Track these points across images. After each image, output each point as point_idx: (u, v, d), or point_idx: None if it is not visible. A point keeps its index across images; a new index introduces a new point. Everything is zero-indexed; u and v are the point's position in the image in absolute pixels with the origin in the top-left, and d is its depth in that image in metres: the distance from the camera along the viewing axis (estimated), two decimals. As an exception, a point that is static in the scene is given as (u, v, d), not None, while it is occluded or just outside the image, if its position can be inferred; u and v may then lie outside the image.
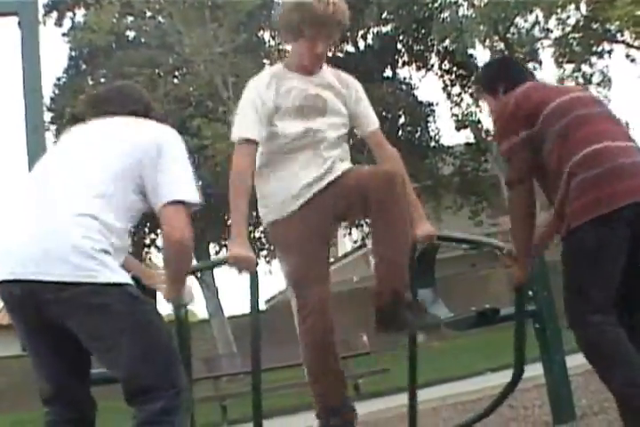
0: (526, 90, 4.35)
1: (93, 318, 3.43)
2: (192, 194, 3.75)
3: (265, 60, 26.37)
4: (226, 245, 28.12)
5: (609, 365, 4.01)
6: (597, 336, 4.03)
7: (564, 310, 4.13)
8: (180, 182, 3.74)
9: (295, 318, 4.69)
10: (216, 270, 26.57)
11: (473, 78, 28.90)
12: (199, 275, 26.25)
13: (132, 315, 3.51)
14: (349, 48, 29.56)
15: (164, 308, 4.26)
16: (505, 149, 4.28)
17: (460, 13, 27.88)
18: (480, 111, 29.31)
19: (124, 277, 3.54)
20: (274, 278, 27.34)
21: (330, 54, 27.81)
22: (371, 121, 4.89)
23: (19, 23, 5.02)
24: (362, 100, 4.89)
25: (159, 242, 26.89)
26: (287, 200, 4.53)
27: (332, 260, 5.81)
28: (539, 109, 4.18)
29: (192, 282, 4.08)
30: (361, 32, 29.37)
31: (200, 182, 24.70)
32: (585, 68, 28.10)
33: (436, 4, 28.59)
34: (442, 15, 28.29)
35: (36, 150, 4.84)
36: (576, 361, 6.42)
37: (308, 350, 4.47)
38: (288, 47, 4.76)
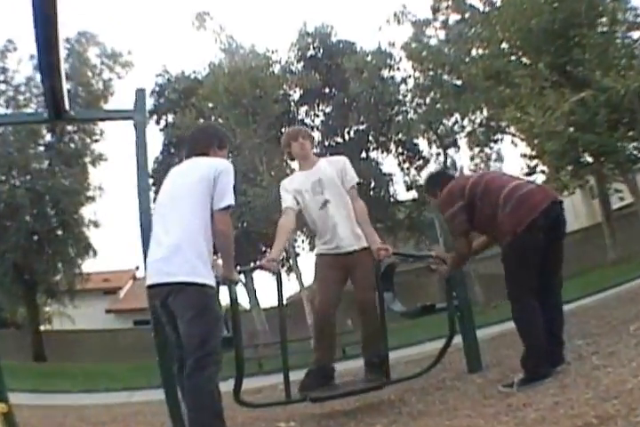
0: (452, 184, 4.60)
1: None
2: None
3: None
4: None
5: (527, 329, 4.06)
6: (525, 309, 4.08)
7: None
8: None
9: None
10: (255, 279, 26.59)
11: (417, 160, 29.12)
12: (243, 279, 26.26)
13: None
14: (338, 139, 29.55)
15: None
16: (447, 215, 4.43)
17: (409, 117, 27.95)
18: (421, 179, 29.45)
19: None
20: (291, 284, 27.05)
21: (326, 143, 28.10)
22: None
23: (134, 125, 5.03)
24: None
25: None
26: None
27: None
28: (462, 190, 4.31)
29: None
30: (346, 129, 29.37)
31: (245, 222, 24.90)
32: (487, 150, 28.09)
33: (393, 112, 28.66)
34: (397, 118, 28.38)
35: (145, 203, 4.88)
36: (482, 333, 6.43)
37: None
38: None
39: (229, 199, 3.67)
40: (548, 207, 4.11)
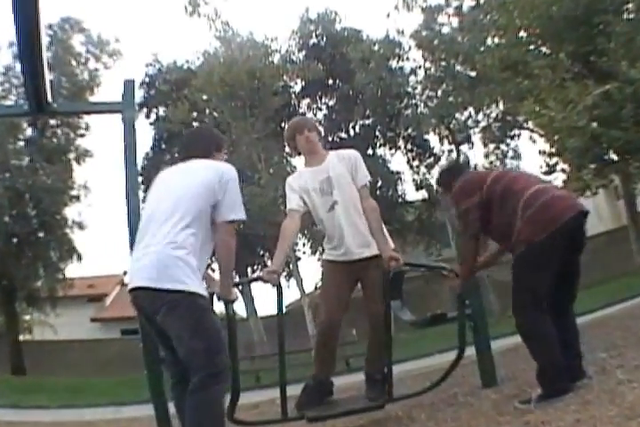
0: (472, 173, 4.72)
1: None
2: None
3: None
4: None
5: (538, 343, 4.02)
6: (534, 322, 4.04)
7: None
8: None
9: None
10: (252, 285, 26.49)
11: (428, 157, 29.12)
12: (241, 288, 26.26)
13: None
14: (343, 135, 29.54)
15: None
16: (462, 209, 4.34)
17: (419, 111, 27.96)
18: (432, 177, 29.43)
19: None
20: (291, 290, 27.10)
21: (330, 139, 28.08)
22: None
23: (122, 119, 5.03)
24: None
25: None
26: None
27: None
28: (482, 181, 4.26)
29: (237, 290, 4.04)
30: (351, 123, 29.39)
31: (241, 224, 24.82)
32: (502, 146, 28.14)
33: (401, 105, 28.65)
34: (406, 112, 28.37)
35: (134, 203, 4.88)
36: (496, 345, 6.42)
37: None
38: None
39: (241, 213, 3.81)
40: (575, 216, 4.07)
